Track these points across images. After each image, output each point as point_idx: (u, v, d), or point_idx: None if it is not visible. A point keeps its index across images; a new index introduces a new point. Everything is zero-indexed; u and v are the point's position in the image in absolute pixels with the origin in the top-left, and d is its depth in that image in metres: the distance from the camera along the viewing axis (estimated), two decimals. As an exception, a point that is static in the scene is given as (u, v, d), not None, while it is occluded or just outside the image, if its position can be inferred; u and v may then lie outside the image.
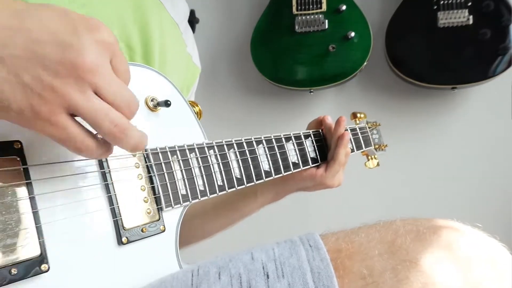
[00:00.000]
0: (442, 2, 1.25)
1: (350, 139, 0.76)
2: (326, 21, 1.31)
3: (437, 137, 1.43)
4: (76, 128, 0.31)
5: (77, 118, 0.31)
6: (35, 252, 0.34)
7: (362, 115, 0.86)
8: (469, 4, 1.23)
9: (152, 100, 0.47)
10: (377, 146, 0.87)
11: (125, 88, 0.33)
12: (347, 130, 0.71)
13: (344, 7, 1.31)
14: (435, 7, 1.26)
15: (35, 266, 0.33)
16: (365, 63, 1.31)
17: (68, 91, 0.29)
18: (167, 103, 0.47)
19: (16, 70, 0.27)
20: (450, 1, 1.25)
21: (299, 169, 0.65)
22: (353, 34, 1.29)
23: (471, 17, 1.23)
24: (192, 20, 1.46)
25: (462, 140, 1.41)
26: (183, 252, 0.74)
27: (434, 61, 1.27)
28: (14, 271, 0.32)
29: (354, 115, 0.85)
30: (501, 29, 1.22)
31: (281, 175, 0.61)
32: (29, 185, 0.35)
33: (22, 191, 0.34)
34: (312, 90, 1.36)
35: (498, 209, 1.38)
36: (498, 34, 1.22)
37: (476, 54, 1.23)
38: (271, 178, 0.59)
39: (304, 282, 0.34)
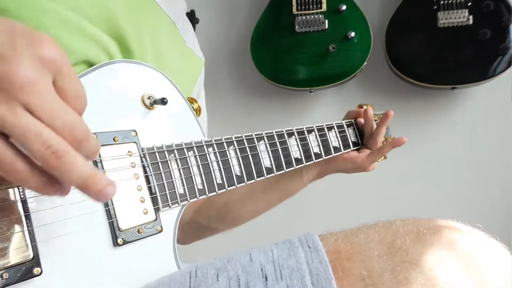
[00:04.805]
0: (442, 2, 1.25)
1: (356, 134, 0.78)
2: (326, 21, 1.31)
3: (437, 137, 1.43)
4: (4, 148, 0.27)
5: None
6: (28, 256, 0.33)
7: (368, 107, 0.83)
8: (469, 4, 1.23)
9: (149, 98, 0.46)
10: (384, 139, 0.85)
11: (68, 111, 0.29)
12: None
13: (344, 7, 1.30)
14: (435, 7, 1.25)
15: (27, 270, 0.33)
16: (365, 63, 1.30)
17: None
18: (163, 101, 0.46)
19: None
20: (450, 1, 1.24)
21: (309, 163, 0.65)
22: (353, 34, 1.29)
23: (471, 17, 1.22)
24: (192, 20, 1.45)
25: (462, 140, 1.41)
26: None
27: (434, 61, 1.27)
28: (5, 275, 0.32)
29: (360, 107, 0.83)
30: (501, 29, 1.21)
31: (283, 171, 0.60)
32: (20, 188, 0.34)
33: (13, 194, 0.33)
34: (312, 90, 1.36)
35: (498, 209, 1.37)
36: (498, 34, 1.21)
37: (476, 54, 1.23)
38: (272, 174, 0.58)
39: (303, 284, 0.34)
